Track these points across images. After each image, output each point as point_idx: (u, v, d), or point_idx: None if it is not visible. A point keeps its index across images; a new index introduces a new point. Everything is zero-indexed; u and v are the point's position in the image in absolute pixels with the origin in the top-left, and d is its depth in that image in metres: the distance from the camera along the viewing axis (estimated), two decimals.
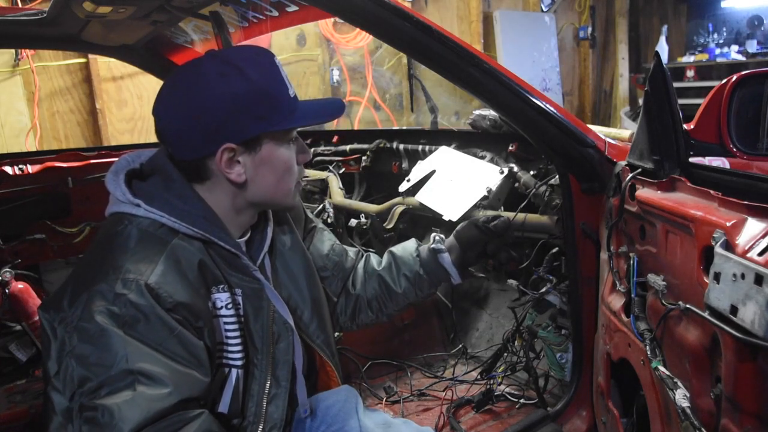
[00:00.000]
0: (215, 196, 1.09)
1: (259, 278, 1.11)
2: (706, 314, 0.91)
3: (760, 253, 0.82)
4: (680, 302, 1.01)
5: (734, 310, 0.83)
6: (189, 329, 0.97)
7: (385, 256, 1.45)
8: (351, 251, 1.45)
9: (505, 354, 1.94)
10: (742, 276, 0.82)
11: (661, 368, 1.05)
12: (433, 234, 1.46)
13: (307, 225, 1.38)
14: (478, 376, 2.05)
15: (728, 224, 0.90)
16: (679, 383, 1.01)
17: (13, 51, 3.86)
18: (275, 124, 1.07)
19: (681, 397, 0.98)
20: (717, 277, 0.88)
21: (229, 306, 1.07)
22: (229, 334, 1.07)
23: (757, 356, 0.83)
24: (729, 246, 0.88)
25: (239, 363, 1.08)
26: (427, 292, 1.44)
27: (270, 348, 1.12)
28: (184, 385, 0.93)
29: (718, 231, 0.91)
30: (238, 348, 1.08)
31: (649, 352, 1.11)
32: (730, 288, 0.84)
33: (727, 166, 1.43)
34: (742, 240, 0.86)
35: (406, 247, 1.45)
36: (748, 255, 0.83)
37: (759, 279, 0.78)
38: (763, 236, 0.84)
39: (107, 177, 1.09)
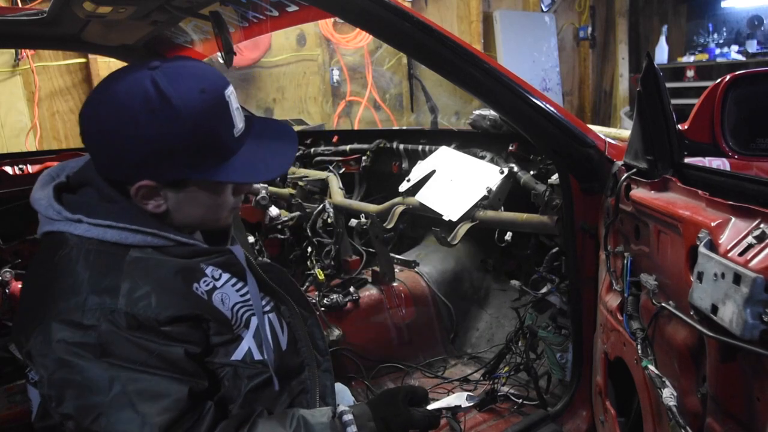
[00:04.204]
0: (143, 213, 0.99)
1: (224, 249, 1.04)
2: (690, 314, 0.91)
3: (741, 253, 0.82)
4: (670, 301, 1.01)
5: (715, 309, 0.83)
6: (186, 336, 0.94)
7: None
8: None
9: (508, 355, 1.95)
10: (722, 275, 0.82)
11: (651, 367, 1.05)
12: (340, 410, 1.06)
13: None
14: (481, 378, 2.05)
15: (713, 224, 0.91)
16: (668, 382, 1.01)
17: (13, 51, 3.86)
18: (204, 172, 0.95)
19: (668, 395, 0.98)
20: (700, 276, 0.88)
21: (218, 275, 1.00)
22: (241, 291, 1.02)
23: (736, 355, 0.83)
24: (713, 246, 0.88)
25: (268, 308, 1.08)
26: None
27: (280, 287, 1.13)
28: (179, 395, 0.91)
29: (703, 231, 0.91)
30: (260, 294, 1.05)
31: (640, 351, 1.11)
32: (712, 287, 0.84)
33: (728, 166, 1.43)
34: (725, 240, 0.87)
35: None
36: (730, 255, 0.83)
37: (737, 278, 0.78)
38: (746, 236, 0.84)
39: (33, 196, 0.98)
